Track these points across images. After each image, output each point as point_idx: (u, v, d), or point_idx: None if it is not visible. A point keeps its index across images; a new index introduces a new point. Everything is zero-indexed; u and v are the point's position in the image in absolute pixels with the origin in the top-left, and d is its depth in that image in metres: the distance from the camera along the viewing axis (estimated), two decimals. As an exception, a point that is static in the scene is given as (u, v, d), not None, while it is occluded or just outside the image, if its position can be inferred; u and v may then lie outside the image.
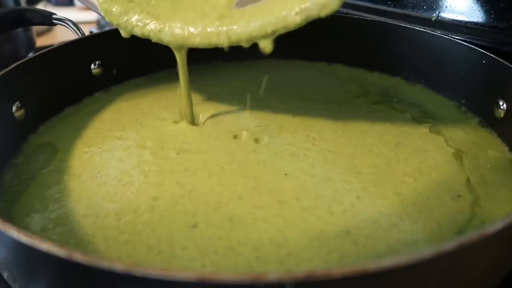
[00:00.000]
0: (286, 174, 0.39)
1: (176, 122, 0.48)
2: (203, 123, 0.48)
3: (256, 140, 0.44)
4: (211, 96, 0.53)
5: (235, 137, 0.45)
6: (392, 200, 0.37)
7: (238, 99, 0.52)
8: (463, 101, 0.50)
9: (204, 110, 0.50)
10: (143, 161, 0.42)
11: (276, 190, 0.38)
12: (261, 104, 0.51)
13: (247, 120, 0.48)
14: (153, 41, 0.44)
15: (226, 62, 0.63)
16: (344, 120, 0.48)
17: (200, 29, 0.41)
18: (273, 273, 0.21)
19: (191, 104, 0.47)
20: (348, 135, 0.45)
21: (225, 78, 0.59)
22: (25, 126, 0.47)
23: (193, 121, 0.48)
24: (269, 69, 0.61)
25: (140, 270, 0.21)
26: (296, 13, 0.38)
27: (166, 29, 0.42)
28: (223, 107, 0.51)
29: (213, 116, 0.49)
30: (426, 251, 0.22)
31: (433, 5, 0.54)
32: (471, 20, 0.50)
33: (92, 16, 1.05)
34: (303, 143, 0.44)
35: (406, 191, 0.38)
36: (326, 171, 0.40)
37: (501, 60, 0.44)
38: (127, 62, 0.57)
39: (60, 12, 0.57)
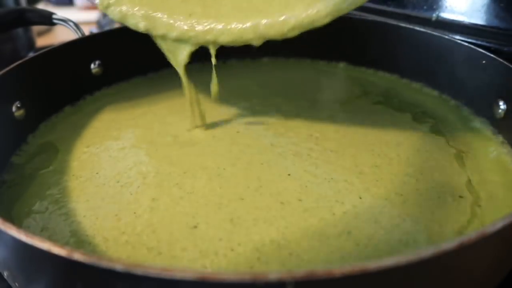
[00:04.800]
0: (289, 175, 0.39)
1: (175, 122, 0.48)
2: (204, 123, 0.48)
3: (260, 140, 0.44)
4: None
5: (237, 137, 0.45)
6: (394, 201, 0.37)
7: (239, 98, 0.52)
8: (463, 101, 0.50)
9: (204, 109, 0.50)
10: (140, 162, 0.42)
11: (278, 191, 0.38)
12: (264, 103, 0.51)
13: (250, 120, 0.48)
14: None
15: (226, 61, 0.63)
16: (346, 119, 0.48)
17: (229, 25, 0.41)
18: (274, 272, 0.21)
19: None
20: (350, 135, 0.45)
21: (225, 77, 0.58)
22: (25, 126, 0.47)
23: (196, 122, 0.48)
24: (269, 69, 0.61)
25: (140, 269, 0.21)
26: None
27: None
28: (224, 107, 0.51)
29: (213, 115, 0.49)
30: (426, 251, 0.22)
31: (433, 5, 0.53)
32: (471, 20, 0.50)
33: (92, 16, 1.05)
34: (307, 143, 0.44)
35: (408, 192, 0.37)
36: (329, 171, 0.40)
37: (501, 60, 0.44)
38: (127, 62, 0.57)
39: (60, 12, 0.57)
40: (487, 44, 0.48)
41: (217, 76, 0.52)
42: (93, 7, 1.09)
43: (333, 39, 0.60)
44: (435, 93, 0.53)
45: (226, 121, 0.48)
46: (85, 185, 0.40)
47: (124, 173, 0.41)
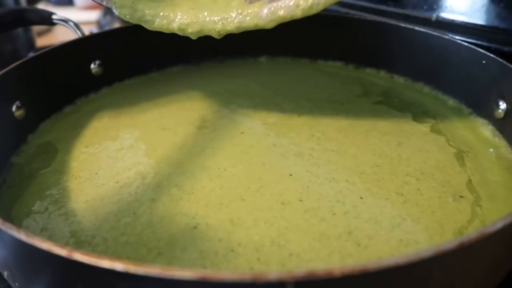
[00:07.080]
0: (290, 175, 0.39)
1: (174, 122, 0.48)
2: (204, 123, 0.48)
3: (262, 141, 0.44)
4: (212, 95, 0.53)
5: (240, 137, 0.45)
6: (394, 201, 0.37)
7: (240, 97, 0.52)
8: (463, 101, 0.50)
9: (205, 108, 0.50)
10: (139, 162, 0.42)
11: (279, 191, 0.37)
12: (265, 102, 0.51)
13: (251, 119, 0.48)
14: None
15: (227, 60, 0.63)
16: (347, 119, 0.48)
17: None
18: (274, 272, 0.21)
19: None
20: (351, 135, 0.45)
21: (226, 77, 0.58)
22: (25, 126, 0.47)
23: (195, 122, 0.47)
24: (269, 68, 0.61)
25: (140, 269, 0.21)
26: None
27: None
28: (225, 106, 0.51)
29: (214, 115, 0.49)
30: (426, 251, 0.22)
31: (433, 5, 0.53)
32: (471, 20, 0.50)
33: (92, 16, 1.05)
34: (308, 143, 0.44)
35: (408, 192, 0.37)
36: (330, 171, 0.40)
37: (501, 60, 0.44)
38: (127, 62, 0.57)
39: (60, 12, 0.57)
40: (487, 44, 0.48)
41: (218, 75, 0.52)
42: (93, 7, 1.10)
43: (333, 39, 0.60)
44: (435, 93, 0.53)
45: (227, 121, 0.48)
46: (85, 186, 0.40)
47: (123, 173, 0.41)
